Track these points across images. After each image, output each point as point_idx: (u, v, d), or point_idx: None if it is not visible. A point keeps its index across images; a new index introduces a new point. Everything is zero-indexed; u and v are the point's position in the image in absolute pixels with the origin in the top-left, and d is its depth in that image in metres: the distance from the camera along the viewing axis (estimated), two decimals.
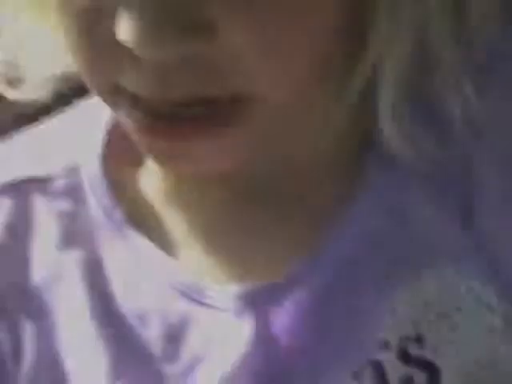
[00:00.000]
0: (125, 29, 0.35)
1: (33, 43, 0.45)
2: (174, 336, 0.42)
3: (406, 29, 0.38)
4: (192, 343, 0.42)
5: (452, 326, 0.40)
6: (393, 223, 0.42)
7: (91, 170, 0.46)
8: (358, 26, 0.39)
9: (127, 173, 0.46)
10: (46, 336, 0.44)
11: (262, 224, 0.43)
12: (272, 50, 0.36)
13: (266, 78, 0.37)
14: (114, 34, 0.36)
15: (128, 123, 0.40)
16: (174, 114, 0.37)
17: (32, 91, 0.46)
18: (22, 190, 0.47)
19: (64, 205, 0.46)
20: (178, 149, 0.39)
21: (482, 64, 0.41)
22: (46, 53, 0.45)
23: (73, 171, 0.47)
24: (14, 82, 0.46)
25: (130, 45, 0.35)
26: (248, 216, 0.44)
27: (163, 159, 0.41)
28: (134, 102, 0.38)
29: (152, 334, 0.43)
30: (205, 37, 0.35)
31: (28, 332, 0.44)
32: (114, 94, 0.39)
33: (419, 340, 0.40)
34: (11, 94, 0.46)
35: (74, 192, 0.46)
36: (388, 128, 0.40)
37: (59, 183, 0.47)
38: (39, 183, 0.47)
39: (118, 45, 0.36)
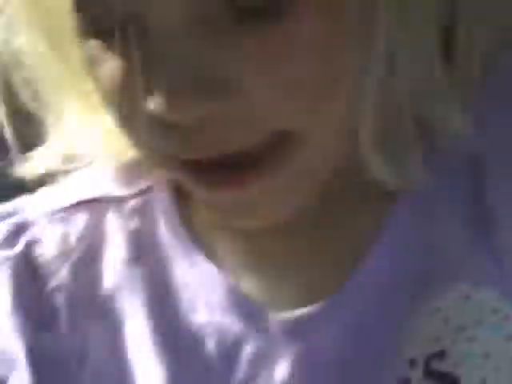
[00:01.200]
0: (153, 100, 0.37)
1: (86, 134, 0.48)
2: (229, 353, 0.45)
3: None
4: (245, 361, 0.44)
5: (470, 338, 0.42)
6: (418, 246, 0.44)
7: (163, 192, 0.49)
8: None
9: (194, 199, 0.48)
10: (112, 344, 0.47)
11: (303, 254, 0.46)
12: (293, 92, 0.38)
13: (294, 116, 0.39)
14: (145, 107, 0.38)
15: (182, 180, 0.43)
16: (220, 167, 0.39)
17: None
18: (98, 207, 0.50)
19: (135, 223, 0.49)
20: (232, 198, 0.41)
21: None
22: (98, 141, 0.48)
23: (146, 193, 0.49)
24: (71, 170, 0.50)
25: (159, 113, 0.37)
26: (291, 245, 0.46)
27: (219, 210, 0.43)
28: (181, 163, 0.40)
29: (208, 350, 0.45)
30: (224, 95, 0.37)
31: (94, 337, 0.47)
32: (162, 160, 0.42)
33: (442, 355, 0.42)
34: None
35: (145, 212, 0.49)
36: (368, 154, 0.41)
37: (132, 203, 0.49)
38: (114, 202, 0.50)
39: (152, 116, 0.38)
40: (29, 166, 0.49)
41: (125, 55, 0.39)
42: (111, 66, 0.39)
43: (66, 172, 0.50)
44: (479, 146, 0.43)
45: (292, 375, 0.44)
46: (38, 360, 0.47)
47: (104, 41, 0.39)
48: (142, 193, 0.50)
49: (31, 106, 0.48)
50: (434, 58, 0.40)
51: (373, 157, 0.41)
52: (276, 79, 0.37)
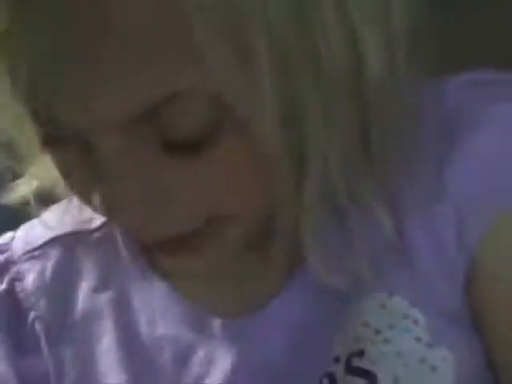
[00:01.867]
0: (96, 201, 0.46)
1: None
2: (182, 359, 0.52)
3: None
4: (195, 365, 0.52)
5: (386, 340, 0.50)
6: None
7: None
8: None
9: None
10: (85, 362, 0.54)
11: (243, 274, 0.53)
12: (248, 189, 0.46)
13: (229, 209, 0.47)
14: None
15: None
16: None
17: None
18: (69, 241, 0.57)
19: (100, 253, 0.56)
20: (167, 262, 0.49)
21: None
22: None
23: (108, 225, 0.56)
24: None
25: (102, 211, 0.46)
26: (232, 266, 0.52)
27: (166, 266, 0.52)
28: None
29: (165, 359, 0.53)
30: (160, 204, 0.45)
31: (68, 358, 0.55)
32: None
33: (361, 353, 0.49)
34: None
35: (108, 242, 0.56)
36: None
37: (97, 235, 0.57)
38: (82, 235, 0.57)
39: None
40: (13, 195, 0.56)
41: (70, 160, 0.46)
42: (62, 164, 0.47)
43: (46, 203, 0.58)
44: None
45: (234, 373, 0.51)
46: (26, 380, 0.55)
47: (57, 146, 0.46)
48: (104, 225, 0.57)
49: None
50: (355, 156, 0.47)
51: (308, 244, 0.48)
52: (204, 191, 0.45)
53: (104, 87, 0.41)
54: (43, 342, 0.56)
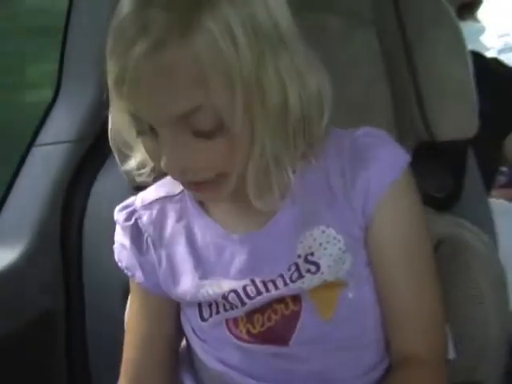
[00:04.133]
0: (162, 163, 0.95)
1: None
2: (219, 253, 1.06)
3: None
4: (227, 256, 1.06)
5: (325, 248, 1.02)
6: (303, 207, 1.03)
7: None
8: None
9: None
10: (171, 257, 1.09)
11: (243, 210, 1.05)
12: (233, 158, 0.95)
13: (233, 167, 0.96)
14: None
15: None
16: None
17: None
18: (164, 200, 1.12)
19: (179, 205, 1.11)
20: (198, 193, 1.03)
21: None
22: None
23: (183, 192, 1.09)
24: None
25: (165, 170, 0.97)
26: (238, 207, 1.06)
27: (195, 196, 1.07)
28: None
29: (210, 253, 1.07)
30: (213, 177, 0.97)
31: (163, 255, 1.09)
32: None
33: (312, 254, 1.02)
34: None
35: (182, 200, 1.10)
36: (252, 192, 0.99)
37: (177, 197, 1.11)
38: (170, 197, 1.11)
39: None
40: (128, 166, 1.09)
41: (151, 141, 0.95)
42: (147, 144, 0.97)
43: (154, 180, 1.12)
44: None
45: (247, 260, 1.04)
46: (144, 266, 1.10)
47: (145, 134, 0.96)
48: (181, 192, 1.11)
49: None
50: (284, 143, 0.95)
51: (251, 188, 0.98)
52: (213, 158, 0.93)
53: (167, 105, 0.89)
54: (151, 248, 1.10)
